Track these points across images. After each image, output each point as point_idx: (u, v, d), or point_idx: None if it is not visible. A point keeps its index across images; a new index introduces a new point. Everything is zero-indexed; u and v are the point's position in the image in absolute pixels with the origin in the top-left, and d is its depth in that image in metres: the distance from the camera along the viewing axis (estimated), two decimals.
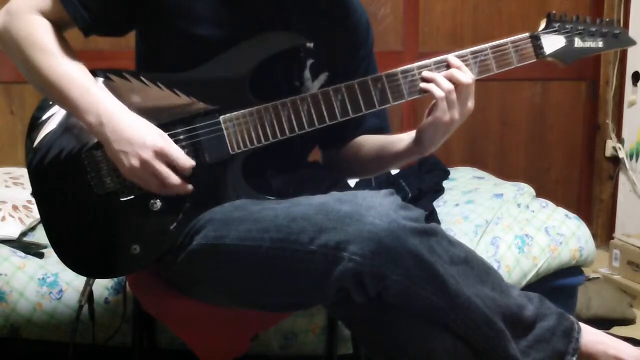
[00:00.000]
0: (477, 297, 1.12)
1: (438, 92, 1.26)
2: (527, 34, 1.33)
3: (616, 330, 2.30)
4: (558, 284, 2.05)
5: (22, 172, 2.35)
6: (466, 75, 1.27)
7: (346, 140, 1.48)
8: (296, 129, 1.27)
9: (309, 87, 1.35)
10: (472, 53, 1.30)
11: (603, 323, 2.29)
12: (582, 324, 1.21)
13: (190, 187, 1.22)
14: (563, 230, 2.06)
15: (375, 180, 2.33)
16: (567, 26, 1.34)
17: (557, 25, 1.33)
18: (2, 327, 1.76)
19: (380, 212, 1.06)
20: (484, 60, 1.31)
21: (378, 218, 1.06)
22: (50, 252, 1.84)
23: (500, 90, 3.11)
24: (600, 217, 3.26)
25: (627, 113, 3.12)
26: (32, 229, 2.13)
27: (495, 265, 1.91)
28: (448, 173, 2.56)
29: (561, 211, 2.17)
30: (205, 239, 1.20)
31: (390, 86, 1.29)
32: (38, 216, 1.93)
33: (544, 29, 1.33)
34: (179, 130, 1.24)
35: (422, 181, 2.40)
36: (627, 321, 2.41)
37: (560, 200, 2.39)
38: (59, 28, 1.25)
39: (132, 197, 1.24)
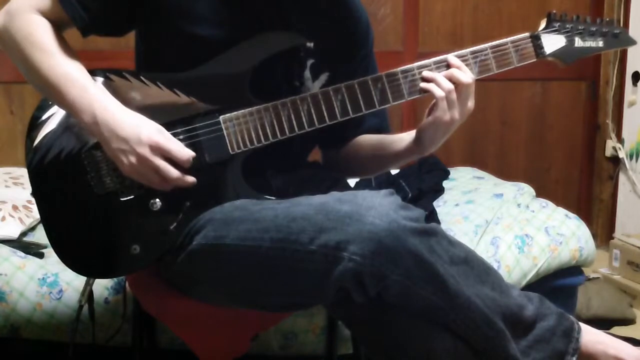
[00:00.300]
0: (477, 297, 1.12)
1: (438, 92, 1.26)
2: (527, 34, 1.33)
3: (616, 330, 2.29)
4: (558, 284, 2.05)
5: (22, 172, 2.35)
6: (466, 75, 1.27)
7: (346, 140, 1.48)
8: (296, 129, 1.27)
9: (309, 87, 1.35)
10: (472, 53, 1.30)
11: (603, 323, 2.29)
12: (582, 324, 1.21)
13: (192, 178, 1.22)
14: (563, 230, 2.06)
15: (375, 180, 2.33)
16: (568, 26, 1.34)
17: (557, 25, 1.33)
18: (2, 327, 1.76)
19: (380, 212, 1.06)
20: (484, 60, 1.31)
21: (378, 218, 1.06)
22: (50, 252, 1.84)
23: (500, 90, 3.11)
24: (600, 217, 3.26)
25: (627, 113, 3.12)
26: (32, 229, 2.12)
27: (495, 265, 1.91)
28: (448, 173, 2.56)
29: (561, 211, 2.17)
30: (205, 239, 1.20)
31: (390, 86, 1.29)
32: (38, 216, 1.93)
33: (544, 29, 1.33)
34: (179, 130, 1.24)
35: (422, 181, 2.40)
36: (627, 321, 2.41)
37: (560, 200, 2.39)
38: (59, 28, 1.25)
39: (132, 197, 1.24)
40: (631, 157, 3.09)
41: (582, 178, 3.28)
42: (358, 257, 1.05)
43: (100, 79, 1.24)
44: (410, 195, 2.27)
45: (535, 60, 1.33)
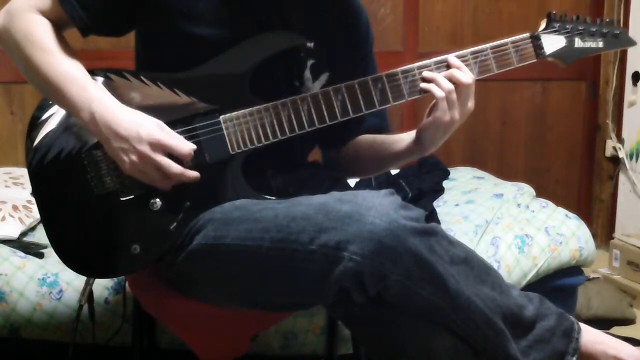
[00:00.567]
0: (477, 297, 1.12)
1: (438, 92, 1.26)
2: (527, 34, 1.33)
3: (616, 330, 2.29)
4: (558, 284, 2.05)
5: (22, 172, 2.35)
6: (466, 76, 1.27)
7: (346, 140, 1.48)
8: (296, 128, 1.27)
9: (309, 88, 1.34)
10: (473, 53, 1.30)
11: (603, 323, 2.29)
12: (582, 324, 1.21)
13: (195, 173, 1.21)
14: (563, 230, 2.06)
15: (375, 180, 2.33)
16: (568, 26, 1.34)
17: (557, 25, 1.33)
18: (2, 327, 1.76)
19: (380, 212, 1.06)
20: (484, 61, 1.31)
21: (378, 218, 1.06)
22: (50, 252, 1.84)
23: (500, 90, 3.11)
24: (600, 217, 3.27)
25: (627, 113, 3.12)
26: (32, 229, 2.13)
27: (495, 265, 1.91)
28: (448, 173, 2.56)
29: (561, 211, 2.17)
30: (205, 238, 1.20)
31: (390, 86, 1.29)
32: (38, 216, 1.94)
33: (544, 29, 1.33)
34: (179, 130, 1.24)
35: (422, 181, 2.40)
36: (627, 321, 2.41)
37: (560, 200, 2.39)
38: (59, 28, 1.25)
39: (132, 196, 1.24)
40: (631, 157, 3.09)
41: (582, 178, 3.28)
42: (358, 257, 1.05)
43: (100, 79, 1.24)
44: (410, 195, 2.27)
45: (535, 60, 1.33)
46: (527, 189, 2.35)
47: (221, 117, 1.26)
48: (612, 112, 3.16)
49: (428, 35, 3.04)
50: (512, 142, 3.20)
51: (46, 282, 1.77)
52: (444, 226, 1.97)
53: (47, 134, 1.26)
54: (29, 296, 1.75)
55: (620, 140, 3.14)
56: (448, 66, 1.29)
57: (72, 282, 1.76)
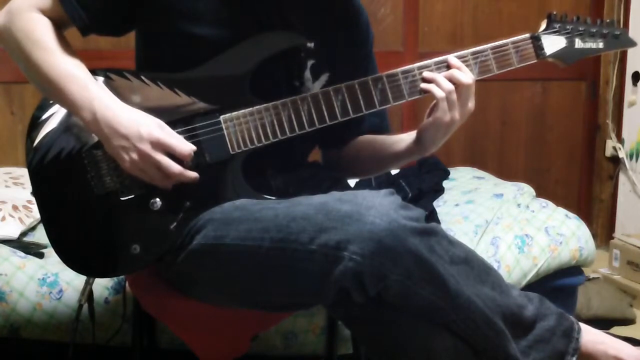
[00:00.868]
0: (477, 297, 1.12)
1: (439, 93, 1.26)
2: (527, 35, 1.33)
3: (616, 330, 2.29)
4: (558, 284, 2.05)
5: (22, 172, 2.35)
6: (466, 76, 1.27)
7: (346, 140, 1.48)
8: (296, 128, 1.27)
9: (309, 88, 1.34)
10: (473, 54, 1.30)
11: (603, 323, 2.29)
12: (582, 324, 1.21)
13: (194, 174, 1.22)
14: (563, 230, 2.06)
15: (375, 180, 2.33)
16: (568, 27, 1.34)
17: (557, 25, 1.33)
18: (2, 327, 1.76)
19: (380, 212, 1.06)
20: (485, 61, 1.31)
21: (378, 218, 1.06)
22: (50, 252, 1.84)
23: (500, 90, 3.11)
24: (600, 217, 3.27)
25: (627, 113, 3.12)
26: (32, 229, 2.12)
27: (495, 265, 1.91)
28: (448, 173, 2.56)
29: (561, 211, 2.17)
30: (205, 238, 1.20)
31: (390, 86, 1.29)
32: (38, 216, 1.94)
33: (544, 30, 1.33)
34: (179, 129, 1.24)
35: (422, 181, 2.40)
36: (627, 321, 2.41)
37: (560, 200, 2.39)
38: (59, 27, 1.25)
39: (132, 196, 1.24)
40: (631, 157, 3.09)
41: (582, 178, 3.28)
42: (358, 256, 1.05)
43: (100, 79, 1.24)
44: (410, 195, 2.27)
45: (535, 61, 1.33)
46: (527, 189, 2.35)
47: (221, 117, 1.26)
48: (612, 112, 3.16)
49: (428, 36, 3.04)
50: (512, 142, 3.20)
51: (46, 282, 1.77)
52: (444, 226, 1.97)
53: (47, 134, 1.26)
54: (29, 296, 1.75)
55: (620, 140, 3.14)
56: (448, 66, 1.29)
57: (72, 282, 1.76)
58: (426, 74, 1.28)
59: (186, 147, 1.20)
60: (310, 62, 1.35)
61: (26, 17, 1.22)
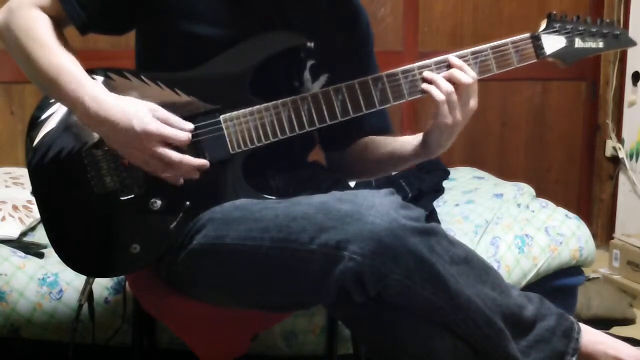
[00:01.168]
0: (477, 296, 1.12)
1: (439, 96, 1.25)
2: (527, 34, 1.32)
3: (616, 330, 2.29)
4: (558, 284, 2.05)
5: (22, 172, 2.35)
6: (467, 75, 1.26)
7: (349, 142, 1.47)
8: (296, 128, 1.27)
9: (309, 88, 1.34)
10: (473, 53, 1.30)
11: (603, 323, 2.29)
12: (582, 324, 1.21)
13: (197, 161, 1.21)
14: (563, 230, 2.06)
15: (376, 180, 2.33)
16: (568, 26, 1.34)
17: (557, 25, 1.33)
18: (2, 327, 1.76)
19: (380, 212, 1.06)
20: (485, 61, 1.31)
21: (378, 217, 1.06)
22: (50, 252, 1.84)
23: (500, 90, 3.11)
24: (600, 217, 3.26)
25: (627, 113, 3.12)
26: (32, 229, 2.12)
27: (495, 265, 1.91)
28: (448, 173, 2.56)
29: (561, 211, 2.17)
30: (205, 238, 1.20)
31: (390, 86, 1.29)
32: (38, 216, 1.94)
33: (544, 29, 1.33)
34: None
35: (422, 181, 2.40)
36: (627, 321, 2.41)
37: (560, 200, 2.39)
38: (59, 25, 1.25)
39: (132, 196, 1.24)
40: (631, 157, 3.09)
41: (582, 178, 3.28)
42: (358, 256, 1.05)
43: (100, 78, 1.24)
44: (410, 195, 2.27)
45: (535, 60, 1.33)
46: (527, 189, 2.35)
47: (221, 117, 1.26)
48: (612, 112, 3.16)
49: (428, 35, 3.04)
50: (512, 142, 3.19)
51: (46, 282, 1.77)
52: (444, 226, 1.96)
53: (47, 134, 1.26)
54: (29, 296, 1.75)
55: (620, 140, 3.14)
56: (449, 66, 1.28)
57: (72, 282, 1.76)
58: (426, 73, 1.28)
59: (182, 135, 1.19)
60: (310, 63, 1.35)
61: (26, 14, 1.22)
